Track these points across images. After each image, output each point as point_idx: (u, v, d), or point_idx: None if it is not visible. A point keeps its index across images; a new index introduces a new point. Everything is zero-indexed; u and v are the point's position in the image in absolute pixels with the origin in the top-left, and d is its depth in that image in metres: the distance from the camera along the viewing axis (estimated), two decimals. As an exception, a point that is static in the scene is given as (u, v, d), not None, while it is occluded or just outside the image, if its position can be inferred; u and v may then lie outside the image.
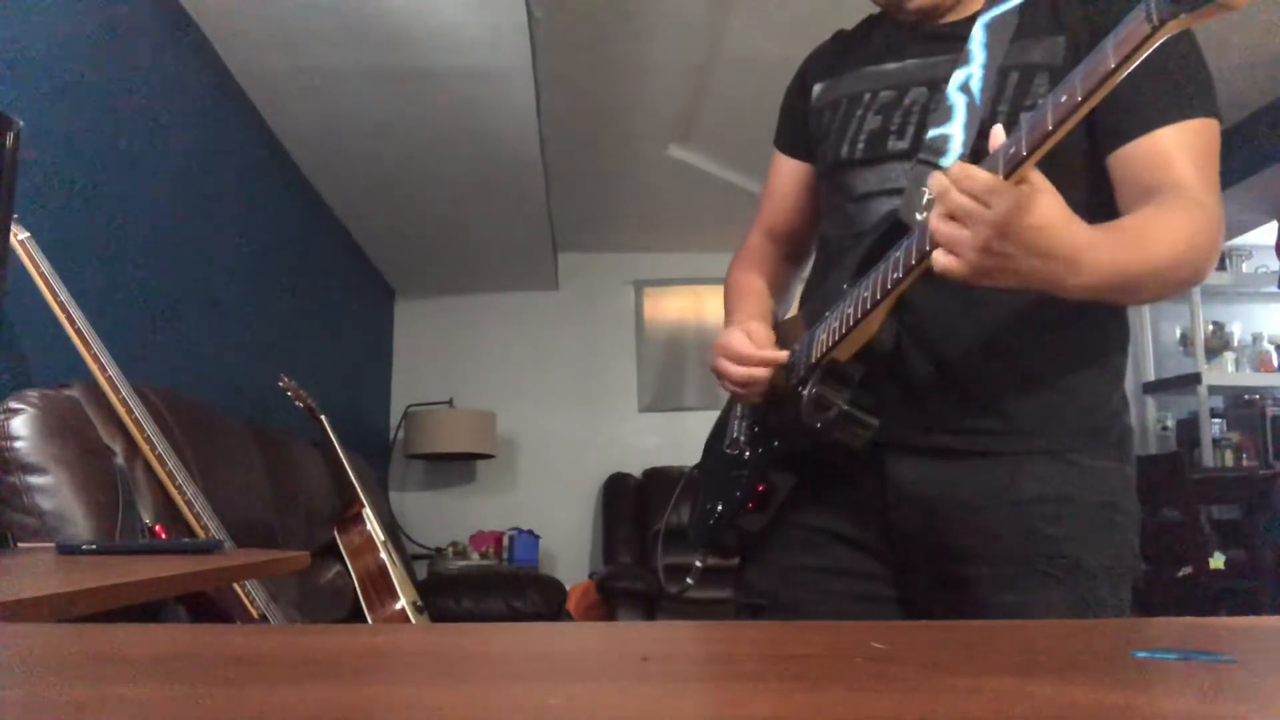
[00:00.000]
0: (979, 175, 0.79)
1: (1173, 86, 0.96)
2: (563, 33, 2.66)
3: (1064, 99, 0.75)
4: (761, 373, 1.08)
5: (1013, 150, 0.79)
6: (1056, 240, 0.81)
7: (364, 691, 0.38)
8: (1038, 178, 0.80)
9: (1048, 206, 0.80)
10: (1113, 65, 0.72)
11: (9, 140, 1.16)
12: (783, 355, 1.07)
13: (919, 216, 0.95)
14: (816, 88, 1.20)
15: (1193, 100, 0.97)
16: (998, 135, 0.83)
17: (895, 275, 0.92)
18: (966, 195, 0.79)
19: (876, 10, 1.16)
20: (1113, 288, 0.88)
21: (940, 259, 0.82)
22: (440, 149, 3.07)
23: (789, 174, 1.27)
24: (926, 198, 0.99)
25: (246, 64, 2.53)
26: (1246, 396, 4.55)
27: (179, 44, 2.28)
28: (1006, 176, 0.79)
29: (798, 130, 1.24)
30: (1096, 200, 1.01)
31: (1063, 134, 0.77)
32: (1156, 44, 0.70)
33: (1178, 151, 0.95)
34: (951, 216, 0.80)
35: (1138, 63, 0.72)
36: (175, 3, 2.24)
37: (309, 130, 2.93)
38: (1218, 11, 0.65)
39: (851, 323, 0.98)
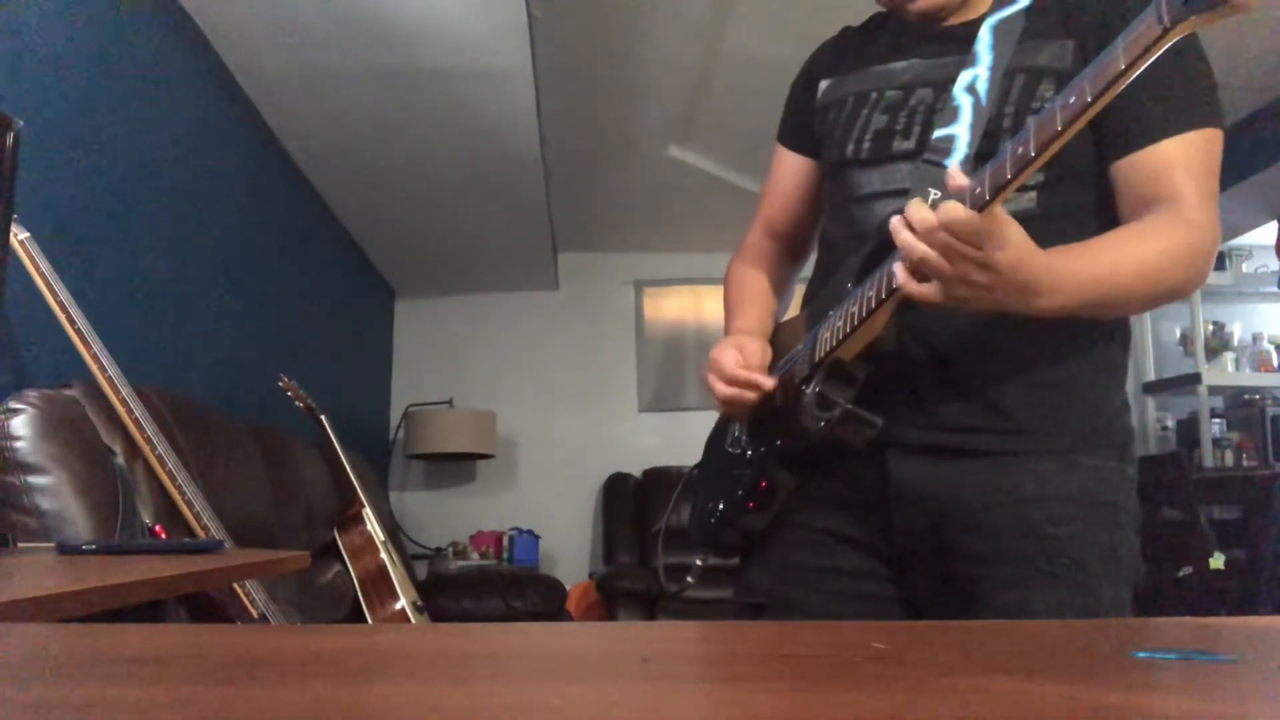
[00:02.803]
0: (964, 219, 0.81)
1: (1177, 96, 0.96)
2: (563, 32, 2.65)
3: (1073, 99, 0.75)
4: (747, 394, 1.09)
5: (991, 175, 0.81)
6: (1032, 267, 0.85)
7: (364, 691, 0.38)
8: (1000, 210, 0.83)
9: (1018, 235, 0.84)
10: (1123, 66, 0.72)
11: (9, 140, 1.16)
12: (768, 382, 1.08)
13: None
14: (823, 84, 1.20)
15: (1196, 110, 0.97)
16: (955, 176, 0.84)
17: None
18: (953, 237, 0.82)
19: (882, 10, 1.15)
20: (1086, 303, 0.91)
21: (916, 287, 0.87)
22: (440, 149, 3.07)
23: (791, 169, 1.27)
24: (932, 198, 0.99)
25: (246, 63, 2.53)
26: (1246, 396, 4.55)
27: (179, 43, 2.28)
28: (992, 198, 0.81)
29: (802, 125, 1.23)
30: (1104, 206, 1.01)
31: (1070, 135, 0.77)
32: (1167, 45, 0.70)
33: (1178, 165, 0.96)
34: (938, 251, 0.84)
35: (1147, 64, 0.72)
36: (175, 2, 2.24)
37: (309, 129, 2.92)
38: (1229, 13, 0.65)
39: (856, 321, 0.97)
